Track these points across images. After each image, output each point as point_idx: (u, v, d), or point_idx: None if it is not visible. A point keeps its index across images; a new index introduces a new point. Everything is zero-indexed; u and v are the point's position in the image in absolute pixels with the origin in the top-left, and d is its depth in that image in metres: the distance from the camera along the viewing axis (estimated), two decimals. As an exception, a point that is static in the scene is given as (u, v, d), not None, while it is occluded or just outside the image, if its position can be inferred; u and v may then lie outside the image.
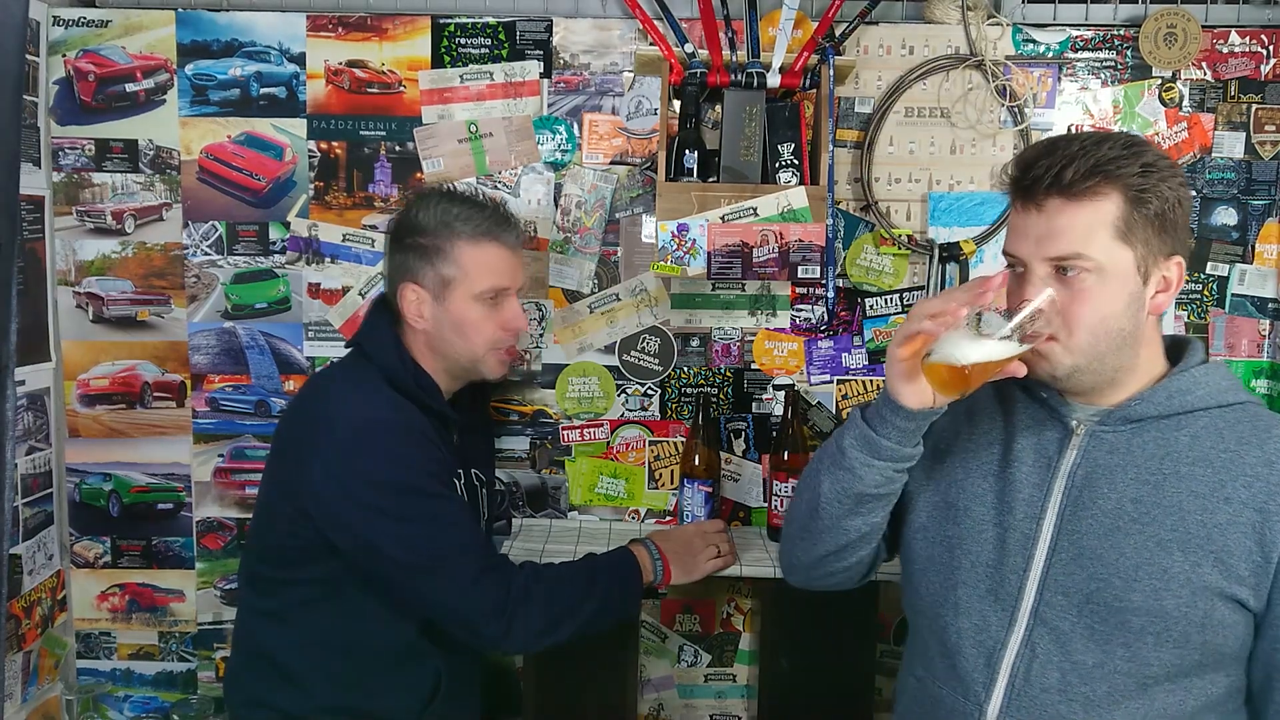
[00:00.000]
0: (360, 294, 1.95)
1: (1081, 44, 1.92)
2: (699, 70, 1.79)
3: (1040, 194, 1.06)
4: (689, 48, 1.80)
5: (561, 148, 1.92)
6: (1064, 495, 1.11)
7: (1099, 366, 1.09)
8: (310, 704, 1.48)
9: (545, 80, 1.91)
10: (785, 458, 1.86)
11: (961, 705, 1.14)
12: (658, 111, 1.89)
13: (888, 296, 1.97)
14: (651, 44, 1.81)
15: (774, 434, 1.95)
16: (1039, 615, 1.09)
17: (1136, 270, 1.06)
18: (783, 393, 1.93)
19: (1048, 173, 1.05)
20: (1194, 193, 1.91)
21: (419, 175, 1.92)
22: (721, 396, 1.99)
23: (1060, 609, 1.08)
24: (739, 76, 1.79)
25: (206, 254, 1.93)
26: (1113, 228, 1.04)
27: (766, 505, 1.94)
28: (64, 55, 1.87)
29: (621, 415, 1.99)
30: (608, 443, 1.99)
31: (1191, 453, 1.07)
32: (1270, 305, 1.96)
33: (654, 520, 2.01)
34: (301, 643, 1.49)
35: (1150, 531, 1.05)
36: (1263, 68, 1.91)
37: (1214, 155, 1.93)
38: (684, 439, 1.94)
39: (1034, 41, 1.92)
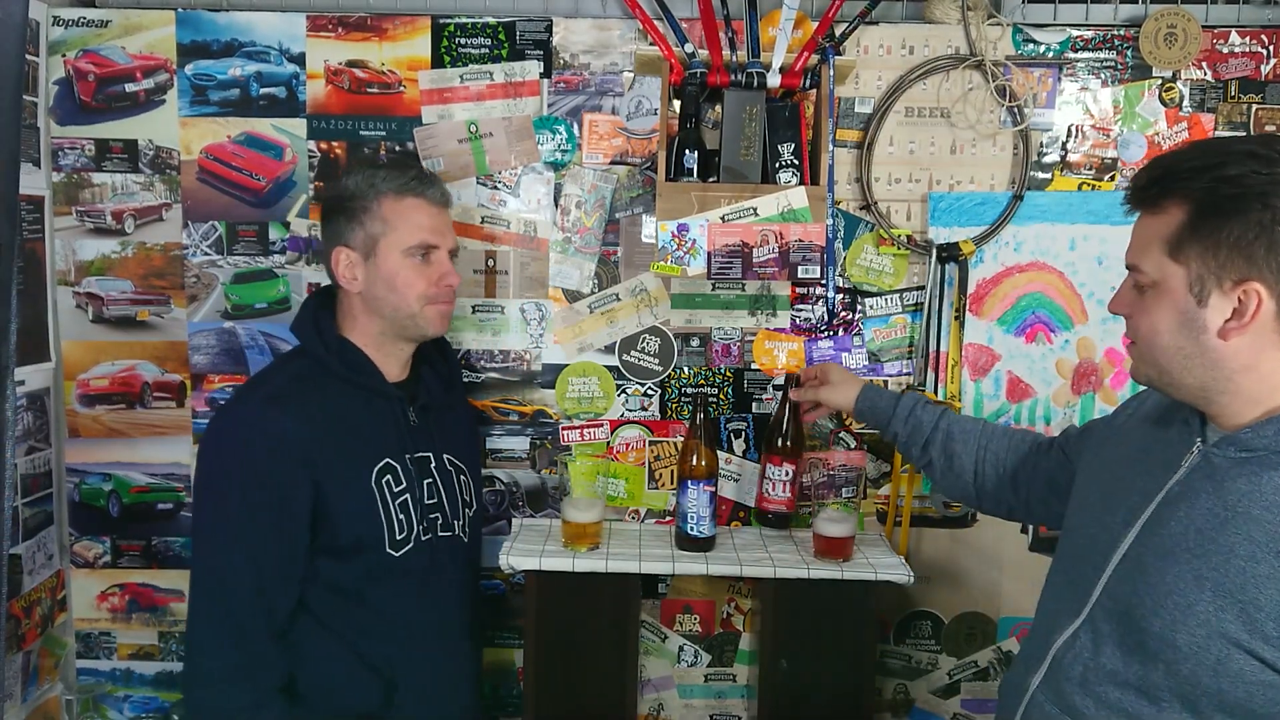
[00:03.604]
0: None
1: (1081, 44, 1.92)
2: (699, 70, 1.79)
3: (1131, 202, 1.09)
4: (689, 48, 1.80)
5: (561, 148, 1.92)
6: (1155, 509, 1.09)
7: (1171, 381, 1.06)
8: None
9: (545, 80, 1.91)
10: (779, 444, 1.86)
11: (1021, 674, 1.22)
12: (658, 111, 1.89)
13: (888, 296, 1.96)
14: (651, 44, 1.81)
15: (771, 417, 1.93)
16: (1092, 613, 1.12)
17: (1189, 290, 1.00)
18: (784, 380, 1.92)
19: (1133, 182, 1.07)
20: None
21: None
22: (721, 396, 1.99)
23: (1106, 611, 1.10)
24: (739, 76, 1.79)
25: (206, 254, 1.93)
26: (1164, 243, 1.01)
27: (757, 490, 1.94)
28: (64, 55, 1.87)
29: (621, 415, 1.99)
30: (608, 443, 1.99)
31: (1271, 497, 0.98)
32: (1270, 305, 1.95)
33: (654, 520, 2.01)
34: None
35: (1196, 566, 1.01)
36: (1263, 68, 1.91)
37: (1214, 155, 1.93)
38: (683, 439, 1.94)
39: (1034, 41, 1.92)
